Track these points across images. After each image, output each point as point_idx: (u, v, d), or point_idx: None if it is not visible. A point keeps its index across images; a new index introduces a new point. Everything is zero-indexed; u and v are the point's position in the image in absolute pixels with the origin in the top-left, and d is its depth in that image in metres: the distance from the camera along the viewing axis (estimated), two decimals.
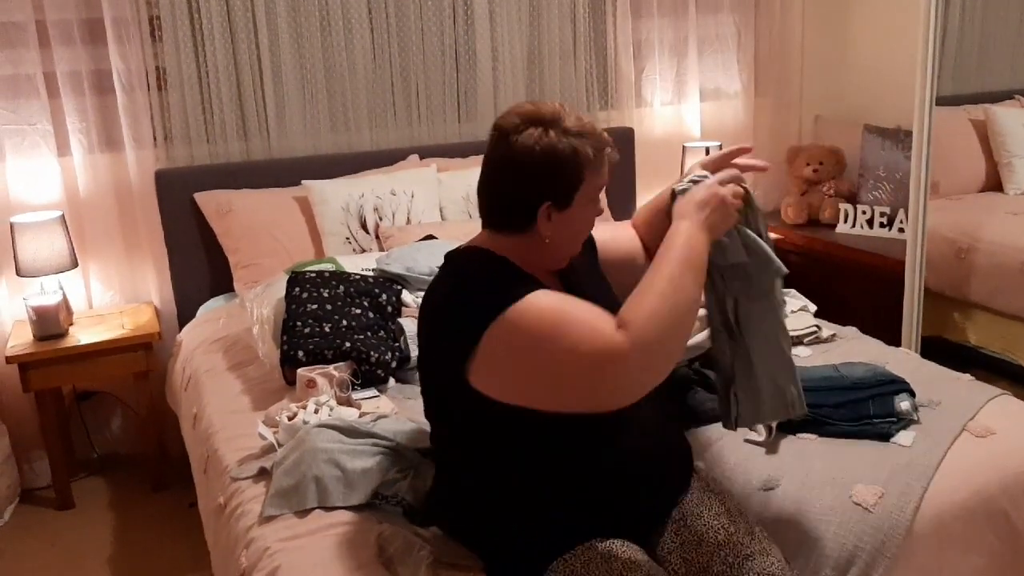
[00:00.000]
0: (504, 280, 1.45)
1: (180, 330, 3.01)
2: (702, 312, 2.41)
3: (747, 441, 1.89)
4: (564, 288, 1.54)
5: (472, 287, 1.46)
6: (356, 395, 2.19)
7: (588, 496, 1.47)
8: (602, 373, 1.33)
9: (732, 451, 1.86)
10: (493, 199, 1.51)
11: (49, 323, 2.83)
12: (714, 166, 1.66)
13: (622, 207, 3.67)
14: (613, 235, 1.79)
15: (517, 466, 1.47)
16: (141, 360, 2.93)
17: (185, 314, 3.09)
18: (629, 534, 1.50)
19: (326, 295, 2.41)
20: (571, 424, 1.41)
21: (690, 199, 1.52)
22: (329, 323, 2.34)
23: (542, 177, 1.44)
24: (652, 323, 1.34)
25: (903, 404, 1.90)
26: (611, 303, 1.46)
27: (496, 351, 1.37)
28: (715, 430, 1.96)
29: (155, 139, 3.09)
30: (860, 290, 3.49)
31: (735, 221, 1.55)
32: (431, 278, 2.56)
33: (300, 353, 2.26)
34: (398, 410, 2.12)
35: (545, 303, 1.38)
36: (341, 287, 2.46)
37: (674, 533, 1.53)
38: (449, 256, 1.58)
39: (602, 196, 1.54)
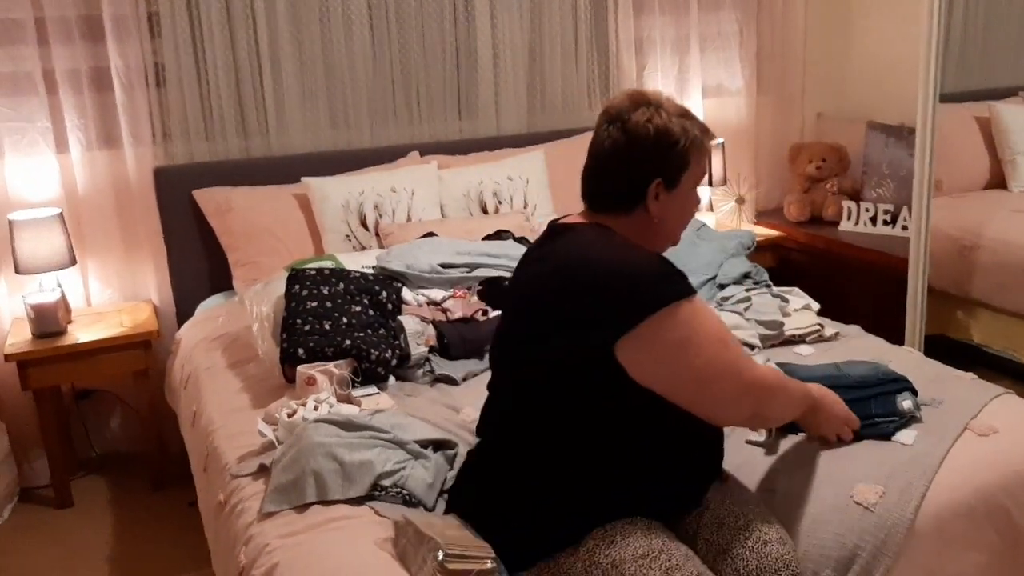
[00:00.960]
0: (671, 265, 1.48)
1: (179, 328, 3.01)
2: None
3: (748, 442, 1.88)
4: None
5: (645, 262, 1.47)
6: (356, 393, 2.18)
7: (632, 477, 1.51)
8: (746, 393, 1.50)
9: (734, 452, 1.84)
10: (603, 178, 1.55)
11: (48, 321, 2.82)
12: None
13: None
14: None
15: (570, 443, 1.50)
16: (140, 358, 2.92)
17: (184, 312, 3.08)
18: (659, 516, 1.53)
19: (326, 292, 2.41)
20: (635, 409, 1.47)
21: (837, 401, 1.75)
22: (329, 321, 2.33)
23: (655, 154, 1.50)
24: (774, 391, 1.56)
25: (905, 403, 1.89)
26: None
27: (670, 333, 1.42)
28: None
29: (154, 136, 3.08)
30: (863, 288, 3.48)
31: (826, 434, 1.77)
32: (432, 275, 2.60)
33: (300, 351, 2.25)
34: (398, 407, 2.11)
35: (713, 311, 1.52)
36: (341, 284, 2.45)
37: (696, 515, 1.56)
38: (564, 227, 1.58)
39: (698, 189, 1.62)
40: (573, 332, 1.44)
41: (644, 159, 1.51)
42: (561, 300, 1.46)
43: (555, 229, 1.60)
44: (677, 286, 1.44)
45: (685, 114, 1.54)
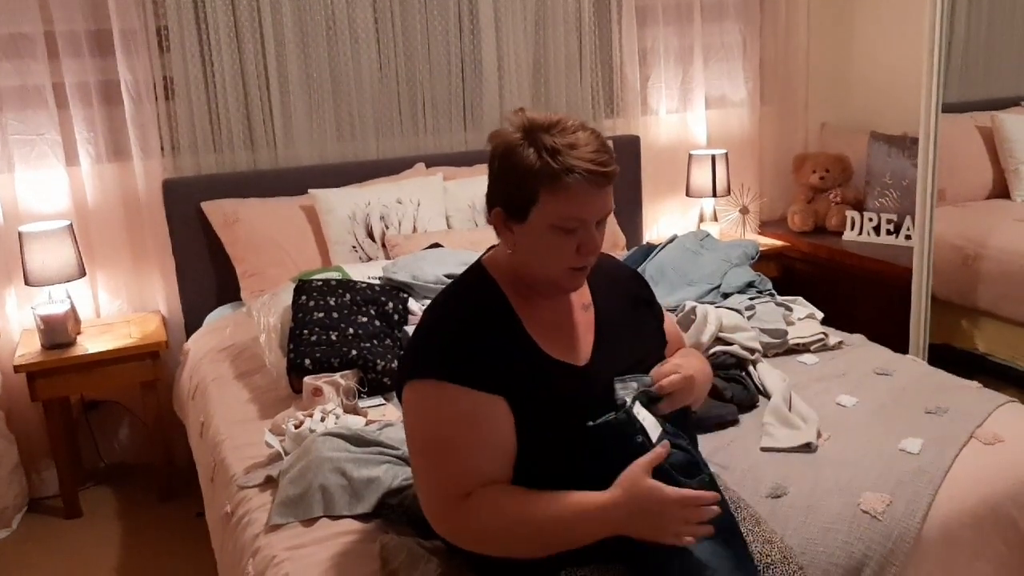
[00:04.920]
0: (456, 338, 1.41)
1: (187, 339, 3.02)
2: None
3: (763, 449, 1.89)
4: (596, 322, 1.52)
5: (424, 328, 1.47)
6: (362, 403, 2.19)
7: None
8: (434, 515, 1.39)
9: (741, 458, 1.85)
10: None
11: (57, 332, 2.84)
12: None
13: (628, 214, 3.67)
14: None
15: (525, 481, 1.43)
16: (148, 369, 2.94)
17: (192, 323, 3.09)
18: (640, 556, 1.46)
19: (332, 303, 2.42)
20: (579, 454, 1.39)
21: (653, 493, 1.29)
22: (336, 331, 2.34)
23: (496, 180, 1.43)
24: (493, 536, 1.35)
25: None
26: (642, 359, 1.50)
27: (405, 409, 1.44)
28: (723, 437, 1.96)
29: (162, 149, 3.10)
30: (867, 297, 3.49)
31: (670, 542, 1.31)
32: (437, 286, 2.62)
33: (307, 361, 2.27)
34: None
35: (448, 411, 1.36)
36: (348, 295, 2.47)
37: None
38: (467, 269, 1.55)
39: (612, 231, 1.44)
40: None
41: (491, 183, 1.44)
42: None
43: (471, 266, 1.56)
44: (419, 364, 1.40)
45: (555, 148, 1.33)
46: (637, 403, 1.40)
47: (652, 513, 1.28)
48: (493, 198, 1.43)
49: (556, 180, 1.33)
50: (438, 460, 1.37)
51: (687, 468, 1.39)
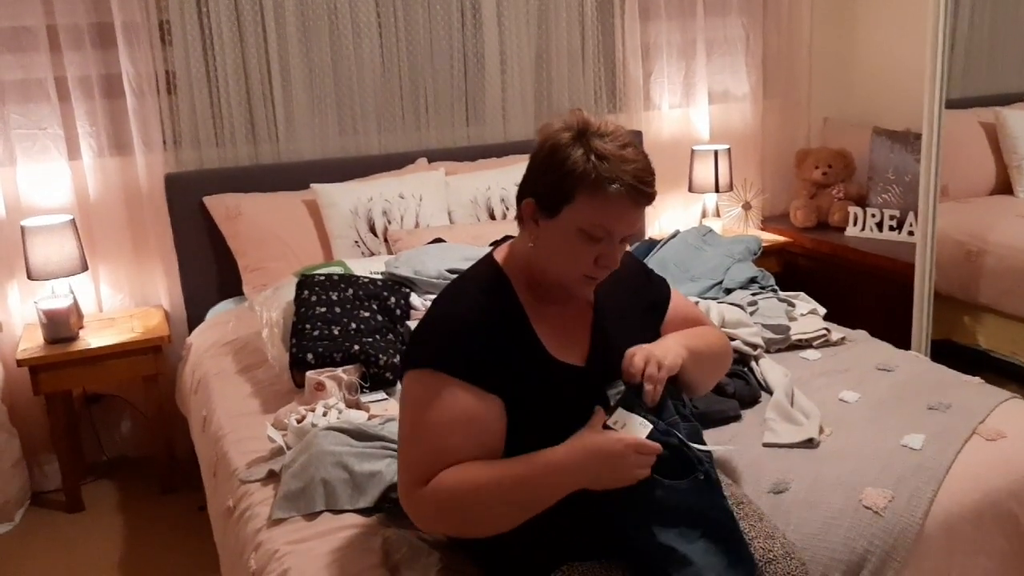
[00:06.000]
0: (461, 332, 1.40)
1: (190, 333, 3.02)
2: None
3: (765, 444, 1.89)
4: (593, 321, 1.52)
5: (430, 318, 1.46)
6: (365, 398, 2.19)
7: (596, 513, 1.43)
8: (418, 500, 1.39)
9: (742, 454, 1.85)
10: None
11: (59, 326, 2.84)
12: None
13: None
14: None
15: None
16: (151, 363, 2.94)
17: (194, 317, 3.10)
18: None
19: (335, 298, 2.42)
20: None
21: (604, 443, 1.33)
22: (338, 326, 2.34)
23: (535, 172, 1.42)
24: (454, 508, 1.36)
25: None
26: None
27: (403, 393, 1.45)
28: (725, 432, 1.96)
29: (164, 143, 3.10)
30: (869, 293, 3.49)
31: (627, 483, 1.35)
32: (439, 281, 2.62)
33: (309, 356, 2.27)
34: None
35: (439, 401, 1.37)
36: (350, 290, 2.47)
37: None
38: (478, 262, 1.54)
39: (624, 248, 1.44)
40: None
41: (528, 173, 1.43)
42: None
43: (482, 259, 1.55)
44: (421, 353, 1.41)
45: (603, 155, 1.33)
46: (620, 407, 1.39)
47: (614, 455, 1.32)
48: (528, 189, 1.43)
49: (598, 186, 1.34)
50: (417, 441, 1.38)
51: (677, 469, 1.38)
